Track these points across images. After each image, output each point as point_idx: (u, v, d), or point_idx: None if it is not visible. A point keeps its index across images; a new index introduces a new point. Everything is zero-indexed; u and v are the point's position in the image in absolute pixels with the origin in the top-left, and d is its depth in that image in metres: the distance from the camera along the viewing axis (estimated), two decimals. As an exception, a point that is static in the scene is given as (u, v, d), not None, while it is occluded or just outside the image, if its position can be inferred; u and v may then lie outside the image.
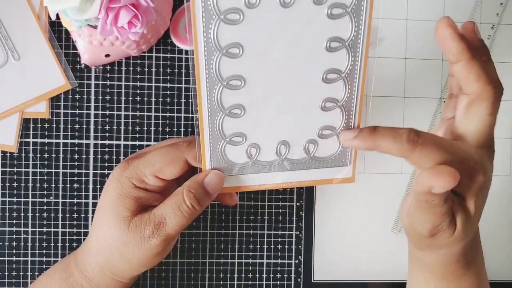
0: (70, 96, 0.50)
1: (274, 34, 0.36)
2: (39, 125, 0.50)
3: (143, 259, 0.41)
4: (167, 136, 0.51)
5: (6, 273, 0.50)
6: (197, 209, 0.41)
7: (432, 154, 0.34)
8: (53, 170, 0.51)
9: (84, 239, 0.51)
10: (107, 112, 0.51)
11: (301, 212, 0.53)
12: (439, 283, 0.41)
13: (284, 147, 0.41)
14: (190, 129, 0.52)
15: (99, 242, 0.42)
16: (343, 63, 0.38)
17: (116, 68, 0.51)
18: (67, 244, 0.51)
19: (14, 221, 0.50)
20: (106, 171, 0.51)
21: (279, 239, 0.53)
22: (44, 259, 0.51)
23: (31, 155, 0.50)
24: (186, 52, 0.51)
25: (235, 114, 0.39)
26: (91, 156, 0.51)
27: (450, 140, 0.37)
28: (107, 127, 0.51)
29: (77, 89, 0.50)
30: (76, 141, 0.51)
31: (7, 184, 0.50)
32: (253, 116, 0.39)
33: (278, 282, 0.54)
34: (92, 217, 0.51)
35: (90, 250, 0.43)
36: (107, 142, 0.51)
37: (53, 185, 0.51)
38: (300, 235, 0.53)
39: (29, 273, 0.51)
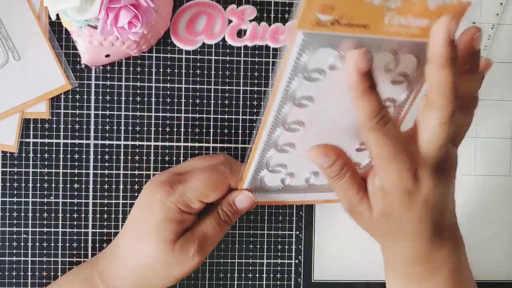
0: (70, 96, 0.50)
1: (340, 93, 0.37)
2: (39, 125, 0.50)
3: (182, 276, 0.44)
4: (167, 137, 0.51)
5: (6, 273, 0.50)
6: (230, 224, 0.45)
7: (381, 147, 0.36)
8: (53, 170, 0.51)
9: (84, 239, 0.51)
10: (107, 112, 0.51)
11: (301, 212, 0.53)
12: (403, 283, 0.43)
13: (314, 176, 0.45)
14: (190, 129, 0.51)
15: (136, 262, 0.43)
16: None
17: (116, 68, 0.51)
18: (67, 244, 0.51)
19: (14, 221, 0.50)
20: (106, 171, 0.51)
21: (279, 239, 0.53)
22: (44, 259, 0.51)
23: (31, 155, 0.50)
24: (187, 52, 0.51)
25: (285, 150, 0.41)
26: (91, 156, 0.51)
27: (406, 135, 0.37)
28: (107, 127, 0.51)
29: (77, 89, 0.50)
30: (76, 141, 0.51)
31: (7, 184, 0.50)
32: (299, 152, 0.42)
33: (278, 282, 0.54)
34: (92, 217, 0.51)
35: (122, 268, 0.44)
36: (107, 142, 0.51)
37: (53, 185, 0.51)
38: (300, 235, 0.53)
39: (29, 273, 0.51)
